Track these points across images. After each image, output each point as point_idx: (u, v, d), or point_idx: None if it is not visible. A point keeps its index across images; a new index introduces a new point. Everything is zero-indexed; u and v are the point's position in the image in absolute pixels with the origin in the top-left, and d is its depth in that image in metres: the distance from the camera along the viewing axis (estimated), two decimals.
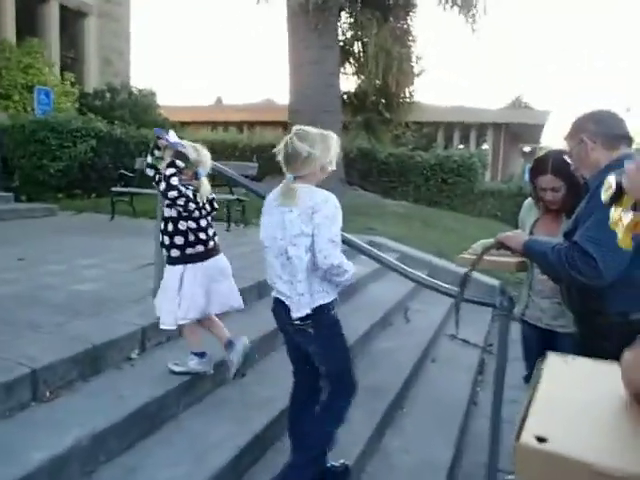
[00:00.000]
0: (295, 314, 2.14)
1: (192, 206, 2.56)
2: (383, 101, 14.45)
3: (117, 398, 2.37)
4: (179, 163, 2.55)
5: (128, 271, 4.20)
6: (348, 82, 14.66)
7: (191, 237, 2.60)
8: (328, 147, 2.14)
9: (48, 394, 2.31)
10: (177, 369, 2.66)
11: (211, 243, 2.67)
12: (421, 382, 3.72)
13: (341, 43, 13.09)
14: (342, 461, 2.39)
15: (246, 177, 6.78)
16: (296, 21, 10.99)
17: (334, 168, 2.20)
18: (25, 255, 4.67)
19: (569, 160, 2.19)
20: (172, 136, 2.65)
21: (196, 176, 2.65)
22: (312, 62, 11.00)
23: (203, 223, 2.65)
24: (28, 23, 12.25)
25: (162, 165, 2.61)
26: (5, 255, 4.66)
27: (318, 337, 2.18)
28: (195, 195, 2.61)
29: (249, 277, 4.03)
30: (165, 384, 2.54)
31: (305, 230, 2.06)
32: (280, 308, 2.20)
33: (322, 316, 2.16)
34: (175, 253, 2.61)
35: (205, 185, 2.68)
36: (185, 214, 2.57)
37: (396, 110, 14.69)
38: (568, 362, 1.29)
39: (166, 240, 2.62)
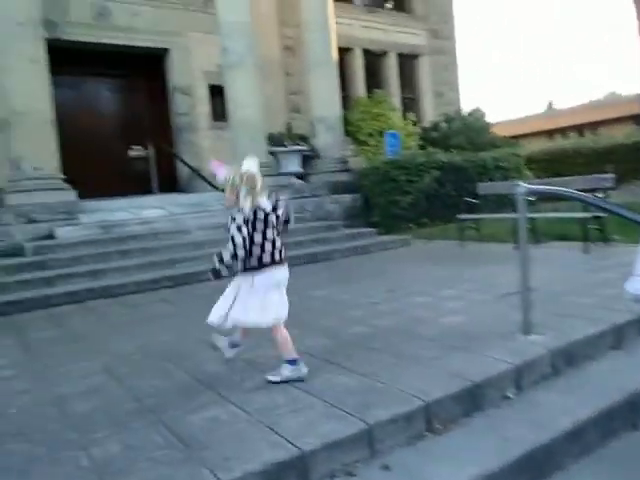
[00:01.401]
0: None
1: (243, 231, 2.77)
2: None
3: (501, 439, 2.41)
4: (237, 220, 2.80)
5: (489, 302, 4.28)
6: None
7: (250, 249, 2.81)
8: None
9: (439, 426, 2.53)
10: (273, 379, 2.92)
11: (266, 257, 2.85)
12: None
13: None
14: None
15: (597, 190, 6.14)
16: None
17: None
18: (391, 286, 5.28)
19: None
20: (219, 167, 2.94)
21: (237, 194, 2.83)
22: None
23: (257, 238, 2.82)
24: (372, 76, 14.11)
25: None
26: (376, 286, 5.37)
27: None
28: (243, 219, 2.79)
29: (618, 309, 3.59)
30: (548, 429, 2.45)
31: None
32: None
33: None
34: (239, 264, 2.86)
35: (246, 204, 2.81)
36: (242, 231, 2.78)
37: None
38: None
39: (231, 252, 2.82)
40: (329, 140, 10.55)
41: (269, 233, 2.87)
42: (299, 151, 10.38)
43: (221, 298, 2.96)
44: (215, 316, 2.94)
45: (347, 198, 10.10)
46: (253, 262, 2.86)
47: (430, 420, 2.53)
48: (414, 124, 12.28)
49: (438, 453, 2.34)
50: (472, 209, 8.17)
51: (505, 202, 9.12)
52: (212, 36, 10.24)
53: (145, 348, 3.85)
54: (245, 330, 3.07)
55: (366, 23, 13.81)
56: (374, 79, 14.10)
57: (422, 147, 11.63)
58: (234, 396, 2.76)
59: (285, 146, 10.22)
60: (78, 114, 10.53)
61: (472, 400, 2.68)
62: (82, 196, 8.11)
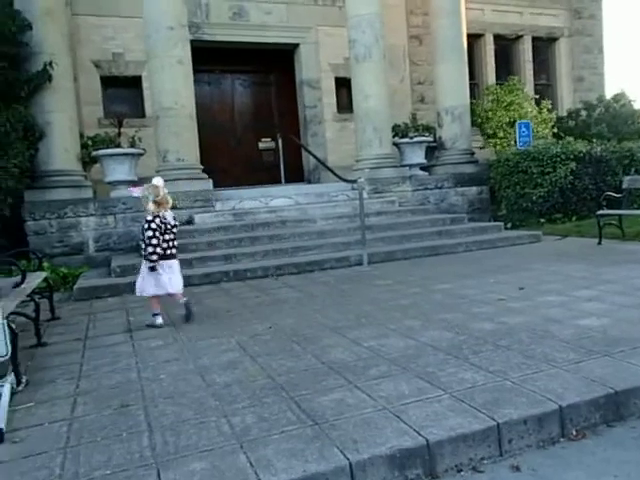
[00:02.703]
0: None
1: (149, 234, 4.29)
2: None
3: None
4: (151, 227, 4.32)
5: (634, 306, 3.93)
6: None
7: (157, 249, 4.31)
8: None
9: (574, 433, 2.40)
10: (146, 323, 4.46)
11: (163, 252, 4.35)
12: None
13: None
14: None
15: None
16: None
17: None
18: (521, 283, 5.04)
19: None
20: (135, 190, 4.43)
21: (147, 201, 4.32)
22: None
23: (159, 240, 4.32)
24: (503, 63, 13.41)
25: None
26: (503, 283, 5.16)
27: None
28: (151, 226, 4.29)
29: None
30: None
31: None
32: None
33: None
34: (147, 255, 4.34)
35: (150, 207, 4.30)
36: (148, 236, 4.30)
37: None
38: None
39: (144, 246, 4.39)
40: (456, 130, 10.24)
41: (167, 237, 4.39)
42: (423, 142, 10.20)
43: (138, 278, 4.48)
44: (137, 291, 4.48)
45: (472, 190, 9.78)
46: (155, 255, 4.30)
47: (564, 425, 2.41)
48: (549, 112, 11.47)
49: (573, 460, 2.23)
50: (613, 204, 7.49)
51: None
52: (340, 29, 10.41)
53: (274, 329, 4.08)
54: (157, 299, 4.49)
55: (498, 7, 13.12)
56: (505, 65, 13.40)
57: (557, 137, 10.85)
58: (360, 382, 2.85)
59: (410, 137, 10.10)
60: (214, 108, 11.32)
61: (614, 409, 2.51)
62: (216, 185, 8.71)
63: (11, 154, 7.00)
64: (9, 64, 7.31)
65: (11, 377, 3.08)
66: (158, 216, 4.32)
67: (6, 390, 2.86)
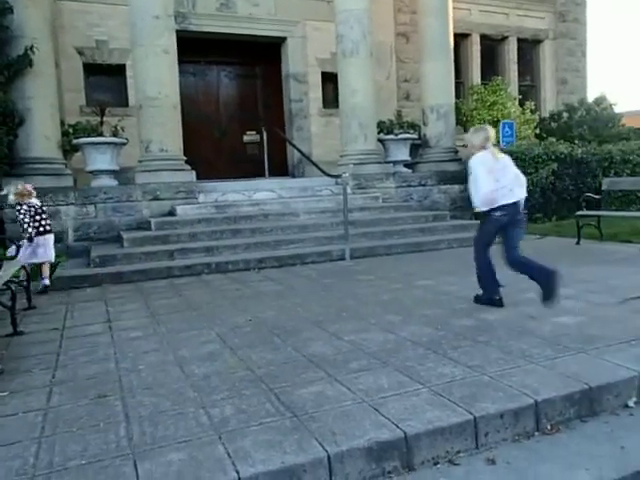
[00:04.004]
0: None
1: (26, 218, 5.47)
2: None
3: (619, 449, 2.28)
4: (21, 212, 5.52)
5: (609, 304, 4.01)
6: None
7: (35, 225, 5.51)
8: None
9: (549, 427, 2.44)
10: (39, 289, 5.52)
11: (42, 228, 5.56)
12: None
13: None
14: None
15: None
16: None
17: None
18: (501, 281, 5.09)
19: None
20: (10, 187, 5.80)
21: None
22: None
23: (31, 220, 5.50)
24: (489, 63, 13.50)
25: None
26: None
27: None
28: (21, 211, 5.50)
29: None
30: None
31: None
32: None
33: None
34: (27, 234, 5.44)
35: (11, 198, 5.61)
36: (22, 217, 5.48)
37: None
38: None
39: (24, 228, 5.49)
40: (440, 129, 10.29)
41: (38, 217, 5.52)
42: (408, 139, 10.24)
43: (20, 251, 5.26)
44: (20, 261, 5.18)
45: (455, 188, 9.85)
46: (33, 232, 5.44)
47: (539, 419, 2.45)
48: (532, 113, 11.59)
49: (547, 454, 2.26)
50: (592, 205, 7.61)
51: (632, 200, 8.42)
52: (327, 24, 10.38)
53: (254, 322, 4.07)
54: (46, 266, 5.67)
55: (485, 7, 13.21)
56: (490, 65, 13.50)
57: (540, 137, 10.98)
58: (340, 375, 2.86)
59: (395, 134, 10.12)
60: (199, 99, 11.21)
61: (587, 404, 2.55)
62: (199, 177, 8.63)
63: None
64: None
65: None
66: (25, 204, 5.50)
67: None
